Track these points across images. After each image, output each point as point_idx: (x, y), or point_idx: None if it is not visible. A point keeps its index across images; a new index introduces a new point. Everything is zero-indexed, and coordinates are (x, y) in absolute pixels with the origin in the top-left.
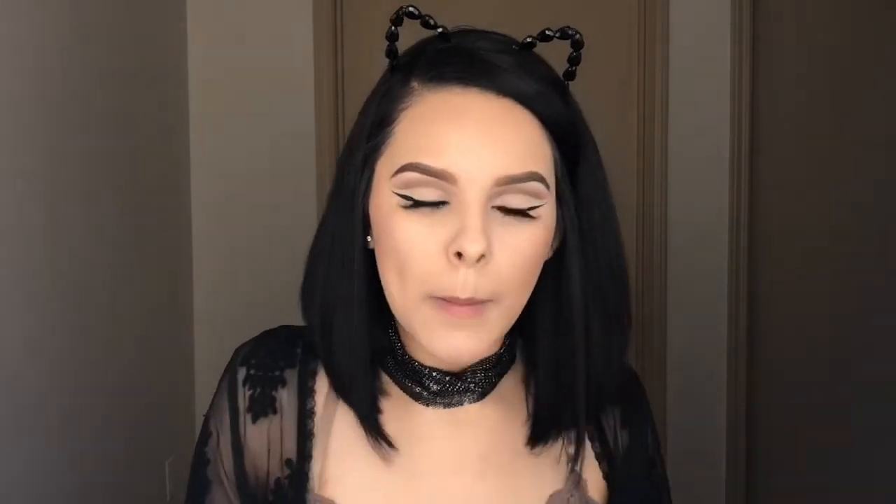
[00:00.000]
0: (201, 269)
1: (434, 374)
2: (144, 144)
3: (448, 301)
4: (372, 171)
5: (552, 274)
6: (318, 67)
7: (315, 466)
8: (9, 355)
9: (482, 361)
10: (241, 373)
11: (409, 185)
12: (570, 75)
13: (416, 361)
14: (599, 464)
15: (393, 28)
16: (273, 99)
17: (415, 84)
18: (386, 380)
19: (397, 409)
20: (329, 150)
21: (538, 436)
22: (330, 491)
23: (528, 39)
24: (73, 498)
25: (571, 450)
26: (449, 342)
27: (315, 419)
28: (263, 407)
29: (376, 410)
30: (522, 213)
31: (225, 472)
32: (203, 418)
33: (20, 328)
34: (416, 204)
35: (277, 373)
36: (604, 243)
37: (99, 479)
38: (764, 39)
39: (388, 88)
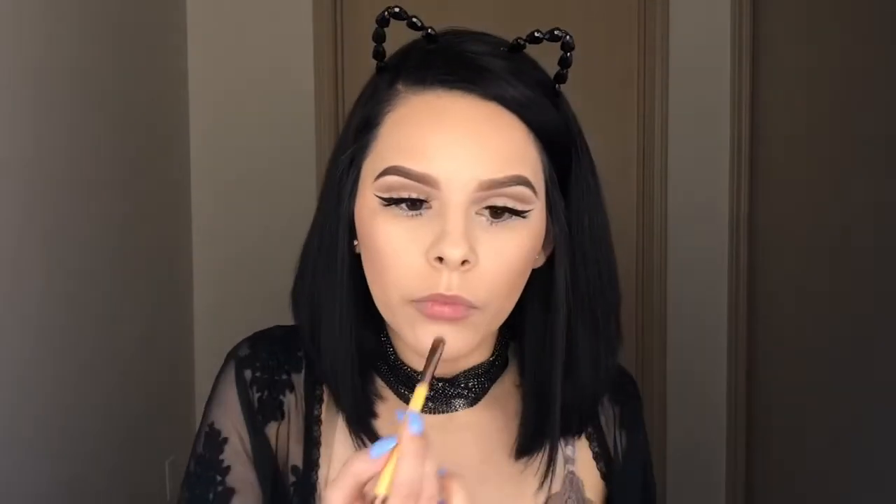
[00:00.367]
0: (201, 270)
1: None
2: (145, 144)
3: (430, 301)
4: (358, 173)
5: (543, 281)
6: (318, 68)
7: (321, 474)
8: (9, 355)
9: (474, 368)
10: (247, 375)
11: (391, 188)
12: (560, 78)
13: (407, 367)
14: (597, 464)
15: (379, 29)
16: (273, 99)
17: (400, 86)
18: (381, 384)
19: (392, 414)
20: (329, 151)
21: (523, 447)
22: None
23: (517, 41)
24: (73, 498)
25: (569, 451)
26: (434, 332)
27: (321, 427)
28: (272, 410)
29: (371, 415)
30: (509, 215)
31: (256, 475)
32: (205, 428)
33: (20, 328)
34: (398, 207)
35: (284, 376)
36: (594, 251)
37: (99, 480)
38: (764, 40)
39: (374, 90)
